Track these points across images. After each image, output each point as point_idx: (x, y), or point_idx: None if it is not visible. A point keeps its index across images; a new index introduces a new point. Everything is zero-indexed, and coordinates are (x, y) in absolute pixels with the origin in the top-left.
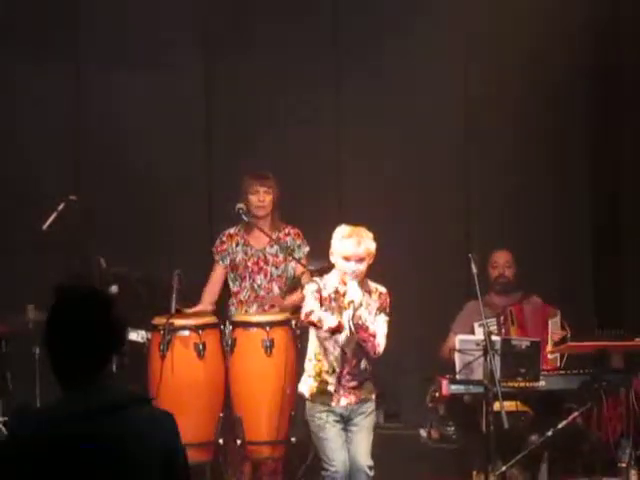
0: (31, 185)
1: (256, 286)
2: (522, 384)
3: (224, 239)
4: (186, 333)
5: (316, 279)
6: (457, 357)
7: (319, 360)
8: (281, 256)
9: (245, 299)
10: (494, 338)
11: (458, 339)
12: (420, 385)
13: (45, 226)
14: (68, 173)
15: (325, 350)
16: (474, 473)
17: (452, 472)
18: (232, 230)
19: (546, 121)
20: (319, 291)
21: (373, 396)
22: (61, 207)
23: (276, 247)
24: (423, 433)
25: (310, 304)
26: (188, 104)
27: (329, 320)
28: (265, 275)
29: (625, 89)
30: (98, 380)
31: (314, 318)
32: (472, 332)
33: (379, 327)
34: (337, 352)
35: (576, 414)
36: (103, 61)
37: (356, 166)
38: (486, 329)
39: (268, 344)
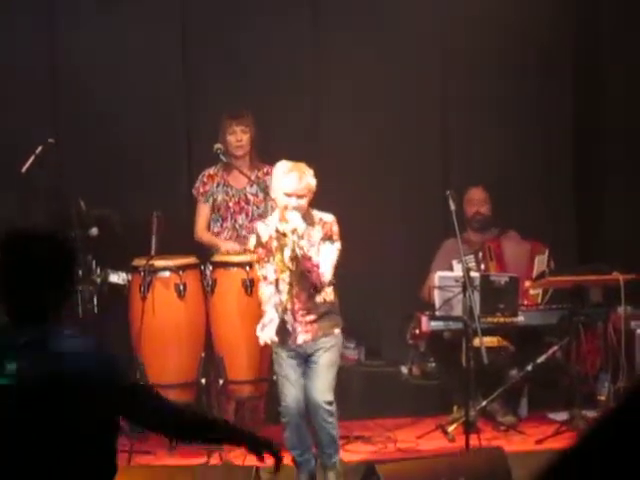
0: (9, 130)
1: (237, 226)
2: (501, 319)
3: (205, 180)
4: (166, 274)
5: (258, 224)
6: (436, 294)
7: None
8: (261, 195)
9: (227, 239)
10: (473, 274)
11: (437, 276)
12: (401, 322)
13: (24, 169)
14: (46, 116)
15: (276, 288)
16: (455, 408)
17: (433, 408)
18: (211, 170)
19: (529, 56)
20: (259, 242)
21: (336, 330)
22: (39, 150)
23: (256, 187)
24: (404, 370)
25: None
26: (165, 44)
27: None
28: (246, 215)
29: (610, 17)
30: (44, 319)
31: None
32: (451, 270)
33: (324, 256)
34: (286, 289)
35: (555, 348)
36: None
37: (336, 106)
38: (465, 266)
39: (248, 284)
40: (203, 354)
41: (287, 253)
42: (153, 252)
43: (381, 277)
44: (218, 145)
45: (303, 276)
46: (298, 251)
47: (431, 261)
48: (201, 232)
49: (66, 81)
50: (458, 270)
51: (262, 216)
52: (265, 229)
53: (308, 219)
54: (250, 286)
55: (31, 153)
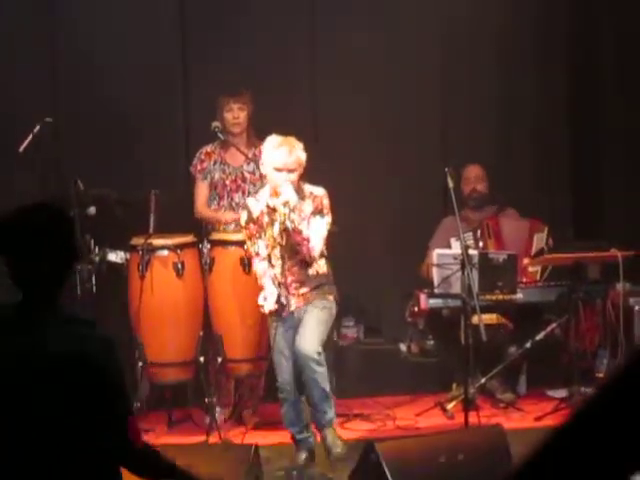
0: (6, 109)
1: (234, 204)
2: (500, 297)
3: (202, 157)
4: (165, 253)
5: (248, 200)
6: (435, 271)
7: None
8: (258, 173)
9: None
10: (471, 252)
11: (436, 253)
12: (400, 300)
13: (21, 148)
14: (44, 96)
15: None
16: (454, 386)
17: (432, 385)
18: (208, 148)
19: (528, 36)
20: (249, 218)
21: (329, 297)
22: (37, 129)
23: (253, 164)
24: (403, 348)
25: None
26: (164, 23)
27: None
28: (243, 193)
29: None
30: (52, 295)
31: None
32: (449, 248)
33: (314, 230)
34: (279, 263)
35: (554, 325)
36: None
37: (332, 80)
38: (463, 243)
39: (247, 262)
40: (201, 332)
41: (277, 227)
42: (151, 231)
43: (380, 255)
44: (216, 123)
45: (294, 249)
46: (289, 224)
47: (430, 239)
48: (201, 208)
49: (64, 60)
50: (456, 248)
51: (253, 198)
52: (256, 204)
53: (299, 193)
54: (248, 264)
55: (29, 132)
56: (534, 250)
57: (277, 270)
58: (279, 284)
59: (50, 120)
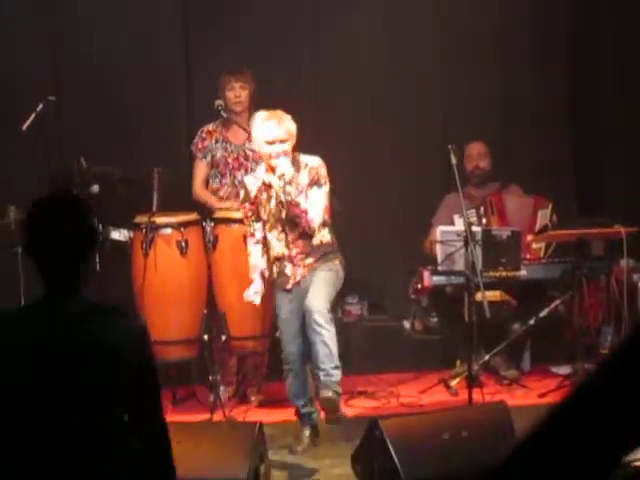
0: (9, 87)
1: (237, 182)
2: (503, 274)
3: (204, 136)
4: (168, 231)
5: (246, 178)
6: (438, 248)
7: (271, 247)
8: None
9: (225, 195)
10: (475, 229)
11: (439, 230)
12: (403, 277)
13: (25, 127)
14: (47, 74)
15: (272, 238)
16: (458, 363)
17: (436, 362)
18: (210, 126)
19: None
20: (246, 196)
21: (336, 261)
22: (40, 108)
23: None
24: (406, 325)
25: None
26: (166, 2)
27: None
28: (245, 171)
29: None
30: (77, 284)
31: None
32: (452, 224)
33: (312, 202)
34: (282, 237)
35: (558, 302)
36: None
37: (333, 59)
38: (466, 220)
39: None
40: (205, 310)
41: (273, 201)
42: (154, 209)
43: (383, 232)
44: (219, 101)
45: (294, 222)
46: (284, 197)
47: (433, 215)
48: (199, 190)
49: (67, 39)
50: (459, 224)
51: (251, 175)
52: (254, 182)
53: (294, 164)
54: None
55: (32, 111)
56: (538, 227)
57: (281, 244)
58: (283, 258)
59: (53, 99)
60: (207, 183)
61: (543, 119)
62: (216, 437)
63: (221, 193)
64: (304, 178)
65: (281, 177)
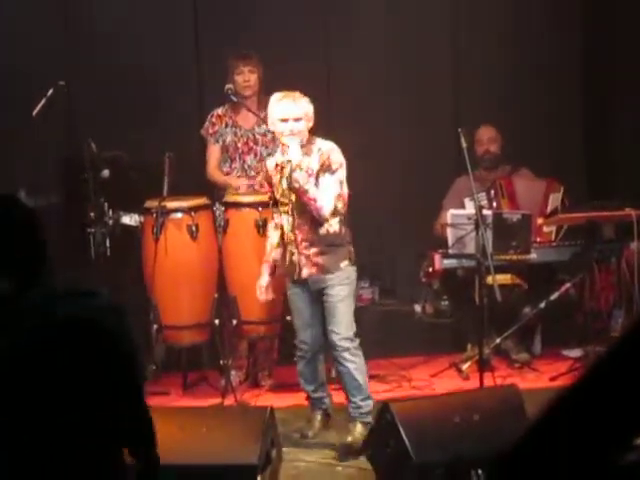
0: (20, 72)
1: (246, 166)
2: (514, 257)
3: (214, 120)
4: (179, 215)
5: (266, 159)
6: (449, 231)
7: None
8: (270, 135)
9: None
10: (485, 212)
11: (450, 213)
12: (414, 261)
13: (35, 112)
14: (58, 59)
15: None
16: (469, 346)
17: (447, 346)
18: (220, 111)
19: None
20: (265, 177)
21: (342, 264)
22: (50, 93)
23: (264, 126)
24: (418, 308)
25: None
26: None
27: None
28: (255, 155)
29: None
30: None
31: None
32: (462, 207)
33: (322, 188)
34: (290, 220)
35: (568, 285)
36: None
37: (345, 42)
38: (477, 203)
39: (261, 224)
40: (216, 295)
41: (284, 184)
42: (165, 193)
43: (394, 216)
44: (229, 85)
45: (303, 208)
46: (294, 184)
47: (443, 198)
48: (213, 171)
49: (78, 23)
50: (470, 208)
51: (271, 156)
52: (271, 162)
53: (308, 148)
54: (262, 226)
55: (42, 96)
56: (549, 210)
57: (289, 228)
58: (290, 241)
59: (63, 84)
60: (219, 167)
61: (554, 102)
62: (227, 421)
63: (232, 177)
64: (314, 163)
65: (289, 162)
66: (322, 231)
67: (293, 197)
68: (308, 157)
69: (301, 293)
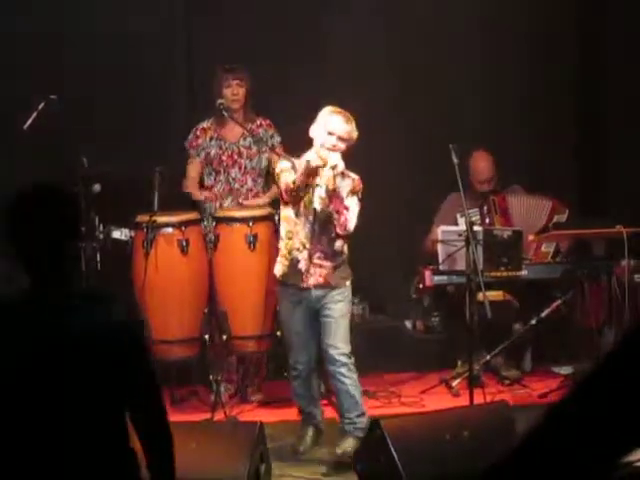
0: (10, 86)
1: (231, 179)
2: (505, 274)
3: (198, 133)
4: (169, 230)
5: (291, 159)
6: (440, 248)
7: (290, 238)
8: (254, 148)
9: (220, 192)
10: (476, 228)
11: (440, 230)
12: (405, 277)
13: (26, 126)
14: (48, 73)
15: (296, 226)
16: (459, 363)
17: (437, 362)
18: (205, 124)
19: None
20: (293, 167)
21: (347, 283)
22: (41, 106)
23: (249, 139)
24: (408, 325)
25: (286, 177)
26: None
27: (310, 160)
28: (240, 168)
29: None
30: (62, 274)
31: (294, 175)
32: (455, 224)
33: (351, 205)
34: (307, 229)
35: (558, 302)
36: None
37: (339, 52)
38: (468, 219)
39: (251, 239)
40: (206, 310)
41: (318, 190)
42: (155, 208)
43: (385, 232)
44: (221, 100)
45: (328, 220)
46: (330, 187)
47: (435, 215)
48: (189, 183)
49: (67, 37)
50: (462, 224)
51: (255, 169)
52: (314, 157)
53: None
54: (253, 242)
55: (33, 109)
56: (549, 225)
57: (303, 234)
58: (303, 248)
59: (54, 97)
60: (202, 181)
61: (545, 119)
62: (217, 437)
63: (215, 190)
64: (347, 186)
65: (334, 168)
66: (337, 247)
67: (319, 206)
68: (342, 178)
69: (300, 312)
